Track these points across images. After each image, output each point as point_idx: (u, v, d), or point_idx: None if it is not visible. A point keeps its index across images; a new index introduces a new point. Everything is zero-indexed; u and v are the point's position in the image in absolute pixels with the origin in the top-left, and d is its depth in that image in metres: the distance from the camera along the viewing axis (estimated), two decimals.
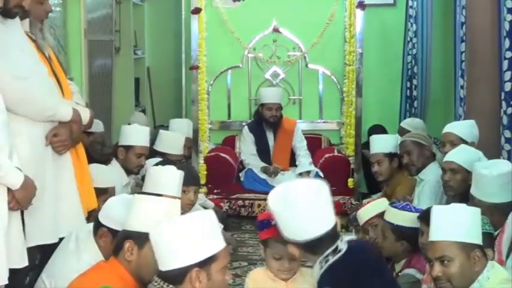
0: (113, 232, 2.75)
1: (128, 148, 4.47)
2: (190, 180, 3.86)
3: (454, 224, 2.45)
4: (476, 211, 2.52)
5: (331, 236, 2.51)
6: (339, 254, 2.52)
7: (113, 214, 2.80)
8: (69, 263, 2.76)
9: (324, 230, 2.49)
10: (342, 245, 2.54)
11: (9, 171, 2.56)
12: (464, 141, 3.95)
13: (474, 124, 4.07)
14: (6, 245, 2.58)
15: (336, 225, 2.56)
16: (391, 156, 4.51)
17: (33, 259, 2.97)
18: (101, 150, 4.45)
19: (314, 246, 2.51)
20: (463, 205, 2.53)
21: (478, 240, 2.46)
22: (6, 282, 2.58)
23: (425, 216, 3.05)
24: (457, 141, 3.98)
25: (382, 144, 4.56)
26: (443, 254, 2.46)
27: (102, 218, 2.84)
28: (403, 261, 3.34)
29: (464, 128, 4.08)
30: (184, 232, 2.21)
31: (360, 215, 3.72)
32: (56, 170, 3.08)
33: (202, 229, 2.23)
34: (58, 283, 2.74)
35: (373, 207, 3.66)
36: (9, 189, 2.60)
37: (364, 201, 4.94)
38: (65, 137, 3.07)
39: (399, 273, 3.30)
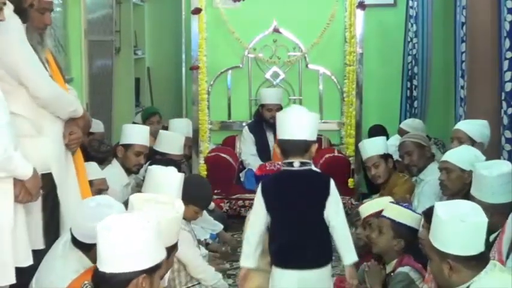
0: None
1: (127, 147, 4.48)
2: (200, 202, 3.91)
3: (438, 226, 2.39)
4: (478, 223, 2.36)
5: (303, 150, 3.08)
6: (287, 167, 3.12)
7: (84, 232, 2.72)
8: (56, 268, 2.72)
9: (310, 138, 3.11)
10: (296, 163, 3.10)
11: (20, 162, 2.57)
12: (473, 140, 3.94)
13: (486, 125, 4.03)
14: (13, 245, 2.58)
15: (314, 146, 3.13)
16: (385, 157, 4.50)
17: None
18: (98, 147, 4.46)
19: (285, 150, 3.11)
20: (464, 214, 2.38)
21: (463, 251, 2.34)
22: (14, 281, 2.58)
23: (429, 213, 3.09)
24: (464, 139, 3.97)
25: (374, 147, 4.53)
26: (426, 250, 2.50)
27: (77, 235, 2.75)
28: (393, 262, 3.35)
29: (474, 126, 4.04)
30: (144, 233, 2.08)
31: (361, 209, 3.74)
32: (67, 168, 3.13)
33: (159, 232, 2.13)
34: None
35: (375, 204, 3.65)
36: (15, 184, 2.60)
37: (365, 201, 4.94)
38: (80, 133, 3.15)
39: (391, 274, 3.30)
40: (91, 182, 3.53)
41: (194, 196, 3.75)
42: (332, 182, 3.14)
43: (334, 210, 3.10)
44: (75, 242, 2.75)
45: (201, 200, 3.95)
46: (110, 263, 2.09)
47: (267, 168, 3.89)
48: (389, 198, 3.73)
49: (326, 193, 3.09)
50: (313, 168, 3.33)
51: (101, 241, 2.10)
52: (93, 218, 2.69)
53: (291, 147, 3.08)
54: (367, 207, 3.67)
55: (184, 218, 3.25)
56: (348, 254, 3.11)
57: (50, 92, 2.93)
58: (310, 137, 3.09)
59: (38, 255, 2.79)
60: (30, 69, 2.86)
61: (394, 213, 3.38)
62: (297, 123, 3.09)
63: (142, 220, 2.12)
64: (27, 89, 2.86)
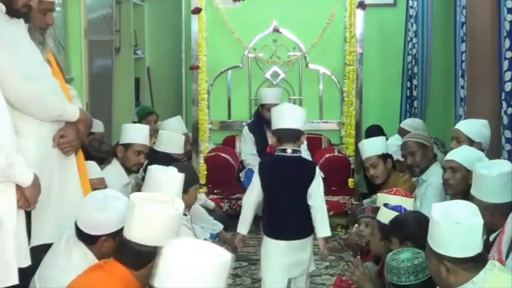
0: (112, 234, 2.74)
1: (127, 146, 4.48)
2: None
3: (434, 228, 2.40)
4: (474, 225, 2.36)
5: (295, 138, 3.68)
6: (281, 153, 3.69)
7: (91, 223, 2.74)
8: (59, 263, 2.74)
9: (301, 128, 3.70)
10: (289, 150, 3.67)
11: (22, 169, 2.56)
12: (471, 140, 3.93)
13: (486, 124, 4.00)
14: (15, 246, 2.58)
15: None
16: (384, 157, 4.49)
17: (40, 259, 2.97)
18: (98, 147, 4.45)
19: (281, 138, 3.70)
20: (460, 215, 2.38)
21: (459, 253, 2.34)
22: (17, 282, 2.58)
23: (392, 226, 3.18)
24: (463, 138, 3.95)
25: (373, 147, 4.52)
26: (425, 252, 2.51)
27: (83, 227, 2.76)
28: None
29: (473, 126, 4.01)
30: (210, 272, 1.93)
31: (378, 196, 3.73)
32: (62, 171, 3.10)
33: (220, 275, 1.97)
34: (48, 284, 2.72)
35: (392, 199, 3.60)
36: (17, 188, 2.59)
37: (365, 201, 4.94)
38: (72, 137, 3.08)
39: None
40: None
41: (191, 179, 3.84)
42: (317, 168, 3.82)
43: (317, 192, 3.72)
44: (80, 235, 2.76)
45: (196, 177, 4.26)
46: (160, 280, 1.97)
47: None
48: (410, 200, 3.65)
49: (312, 177, 3.70)
50: (302, 155, 3.89)
51: (167, 259, 1.95)
52: (101, 208, 2.73)
53: (285, 135, 3.66)
54: (382, 198, 3.65)
55: (187, 208, 3.46)
56: (322, 228, 3.75)
57: (19, 95, 2.83)
58: (301, 127, 3.70)
59: None
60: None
61: (382, 216, 3.39)
62: (291, 115, 3.70)
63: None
64: None
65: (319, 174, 3.78)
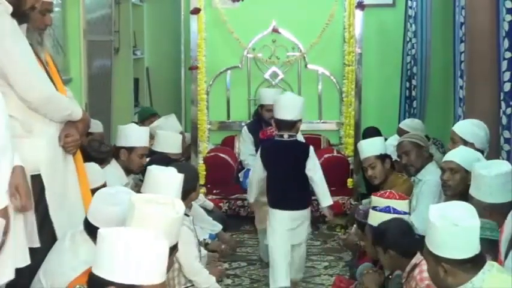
0: None
1: (130, 149, 4.48)
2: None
3: (432, 230, 2.40)
4: (472, 227, 2.36)
5: (290, 126, 4.30)
6: (279, 138, 4.35)
7: (104, 217, 2.77)
8: (65, 260, 2.77)
9: (296, 118, 4.30)
10: (285, 135, 4.29)
11: None
12: (465, 141, 3.93)
13: (479, 124, 3.99)
14: (13, 244, 2.58)
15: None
16: (382, 157, 4.49)
17: (43, 257, 2.98)
18: (98, 147, 4.45)
19: (279, 126, 4.36)
20: (458, 217, 2.38)
21: (457, 254, 2.34)
22: (13, 277, 2.59)
23: (374, 235, 3.24)
24: (457, 139, 3.96)
25: (371, 147, 4.53)
26: (423, 253, 2.53)
27: (95, 221, 2.79)
28: None
29: (466, 126, 4.01)
30: (134, 249, 2.04)
31: (372, 200, 3.72)
32: (64, 169, 3.11)
33: (151, 256, 2.07)
34: (54, 281, 2.74)
35: (382, 202, 3.60)
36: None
37: (364, 201, 4.94)
38: (77, 136, 3.13)
39: (390, 276, 3.30)
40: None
41: (194, 177, 4.00)
42: (311, 148, 4.37)
43: (313, 168, 4.31)
44: (91, 231, 2.76)
45: (198, 174, 4.45)
46: (97, 263, 2.08)
47: (268, 133, 5.58)
48: (397, 201, 3.59)
49: (306, 156, 4.30)
50: (298, 139, 4.51)
51: (103, 242, 2.08)
52: (114, 202, 2.79)
53: (282, 125, 4.30)
54: (375, 202, 3.65)
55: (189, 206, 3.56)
56: (324, 199, 4.40)
57: (39, 95, 2.90)
58: (295, 117, 4.29)
59: (34, 254, 2.79)
60: (18, 72, 2.83)
61: (372, 219, 3.39)
62: (288, 107, 4.30)
63: (153, 239, 2.09)
64: (15, 91, 2.86)
65: (313, 153, 4.35)
